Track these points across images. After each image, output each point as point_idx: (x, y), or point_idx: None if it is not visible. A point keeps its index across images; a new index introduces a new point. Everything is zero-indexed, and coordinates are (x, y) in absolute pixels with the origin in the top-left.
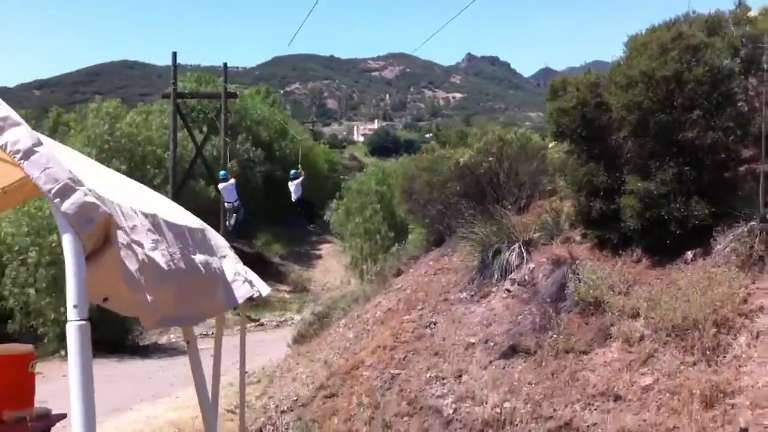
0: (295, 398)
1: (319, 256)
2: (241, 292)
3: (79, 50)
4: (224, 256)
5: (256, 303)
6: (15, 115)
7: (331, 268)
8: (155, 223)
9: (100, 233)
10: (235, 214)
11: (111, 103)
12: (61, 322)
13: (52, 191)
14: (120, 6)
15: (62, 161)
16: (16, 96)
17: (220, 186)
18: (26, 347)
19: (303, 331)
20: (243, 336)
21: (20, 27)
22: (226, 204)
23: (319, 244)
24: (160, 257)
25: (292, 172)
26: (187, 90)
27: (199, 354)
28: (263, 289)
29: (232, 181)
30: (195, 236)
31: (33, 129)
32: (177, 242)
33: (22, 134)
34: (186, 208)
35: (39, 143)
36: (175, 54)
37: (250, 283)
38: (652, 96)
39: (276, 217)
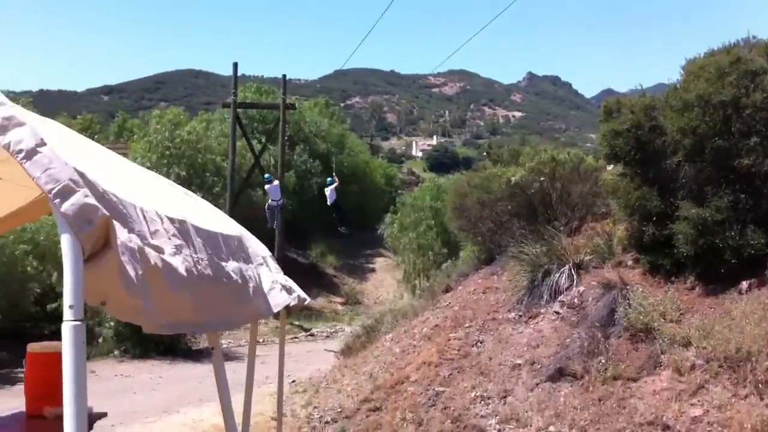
0: (339, 410)
1: (373, 270)
2: (278, 300)
3: (147, 58)
4: (261, 264)
5: (310, 313)
6: (20, 115)
7: (384, 281)
8: (182, 229)
9: (99, 235)
10: (278, 211)
11: (173, 110)
12: (115, 323)
13: (53, 192)
14: (187, 17)
15: (68, 162)
16: (84, 100)
17: (266, 187)
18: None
19: (350, 343)
20: (282, 345)
21: (89, 33)
22: (271, 201)
23: (373, 258)
24: (180, 263)
25: (329, 179)
26: (248, 100)
27: (222, 361)
28: (303, 296)
29: (276, 182)
30: (230, 243)
31: (98, 133)
32: (206, 248)
33: (25, 134)
34: (242, 216)
35: (42, 143)
36: (236, 64)
37: (288, 290)
38: (708, 121)
39: (331, 228)
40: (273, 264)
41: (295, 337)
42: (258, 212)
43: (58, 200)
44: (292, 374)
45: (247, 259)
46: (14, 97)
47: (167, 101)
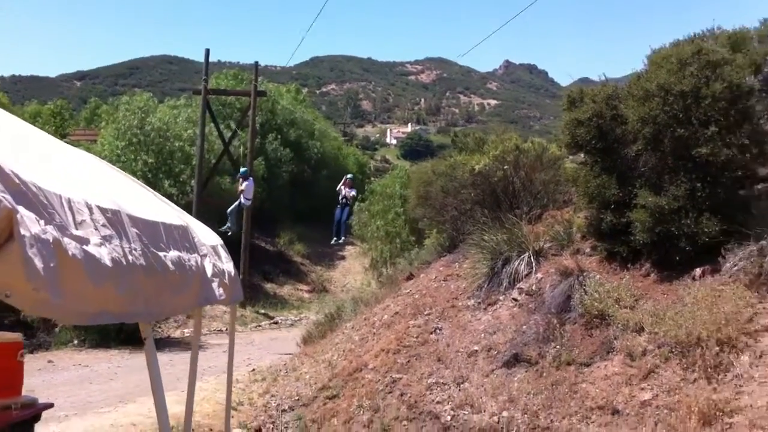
0: (297, 398)
1: (343, 257)
2: (220, 291)
3: (121, 44)
4: (207, 254)
5: (276, 301)
6: None
7: (352, 269)
8: (115, 219)
9: (2, 227)
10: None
11: (142, 96)
12: None
13: None
14: (164, 3)
15: None
16: (57, 86)
17: (243, 185)
18: (14, 336)
19: (312, 331)
20: (232, 335)
21: (63, 18)
22: (243, 200)
23: (343, 245)
24: (106, 253)
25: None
26: (222, 87)
27: (155, 351)
28: (236, 295)
29: (251, 180)
30: (172, 233)
31: (69, 120)
32: (142, 238)
33: None
34: (211, 204)
35: None
36: (207, 51)
37: (224, 286)
38: (668, 110)
39: (300, 217)
40: (223, 253)
41: (259, 326)
42: (226, 201)
43: None
44: (254, 362)
45: (191, 249)
46: None
47: (141, 87)
